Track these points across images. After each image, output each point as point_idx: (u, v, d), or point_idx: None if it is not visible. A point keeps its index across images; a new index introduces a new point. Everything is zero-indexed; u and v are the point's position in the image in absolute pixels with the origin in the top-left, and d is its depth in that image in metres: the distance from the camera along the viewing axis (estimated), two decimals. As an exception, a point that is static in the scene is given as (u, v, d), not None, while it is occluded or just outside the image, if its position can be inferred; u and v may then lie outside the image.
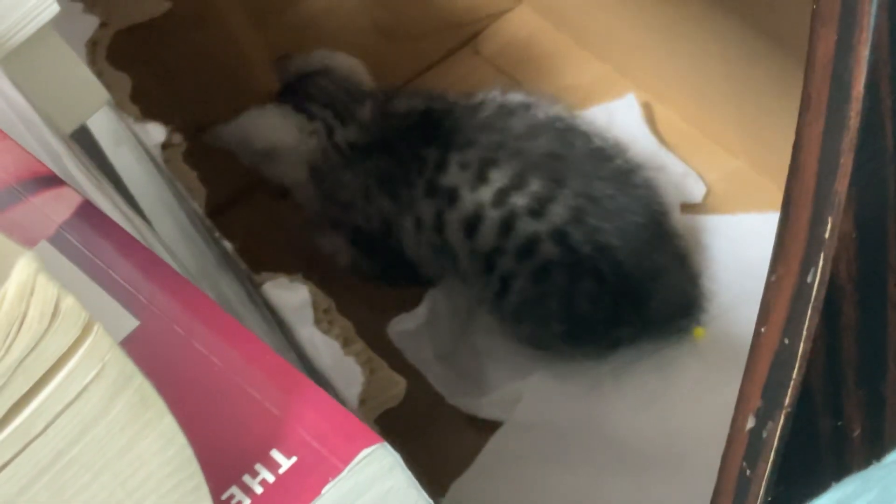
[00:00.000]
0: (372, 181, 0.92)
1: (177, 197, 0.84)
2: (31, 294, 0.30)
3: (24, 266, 0.30)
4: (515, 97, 0.90)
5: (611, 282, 0.85)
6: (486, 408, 0.89)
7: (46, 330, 0.31)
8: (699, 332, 0.89)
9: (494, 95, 0.90)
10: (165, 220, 0.80)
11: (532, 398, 0.88)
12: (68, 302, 0.31)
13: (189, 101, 0.99)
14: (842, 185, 0.37)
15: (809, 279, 0.39)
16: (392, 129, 0.92)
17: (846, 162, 0.37)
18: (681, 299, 0.89)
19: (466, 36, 1.14)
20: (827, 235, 0.38)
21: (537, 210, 0.84)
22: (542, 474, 0.84)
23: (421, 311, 0.95)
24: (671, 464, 0.82)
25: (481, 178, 0.85)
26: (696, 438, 0.82)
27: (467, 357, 0.93)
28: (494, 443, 0.87)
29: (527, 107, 0.88)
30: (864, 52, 0.35)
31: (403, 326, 0.94)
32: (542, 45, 1.11)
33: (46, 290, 0.30)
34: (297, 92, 0.96)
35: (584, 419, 0.86)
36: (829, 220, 0.38)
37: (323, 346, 0.72)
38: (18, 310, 0.30)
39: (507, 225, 0.85)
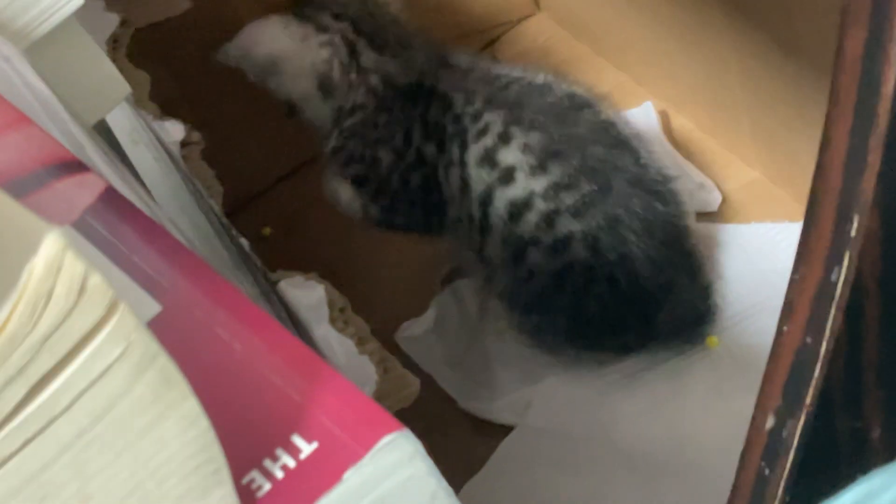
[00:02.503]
0: (416, 125, 0.89)
1: (194, 195, 0.84)
2: (59, 270, 0.30)
3: (52, 242, 0.30)
4: (577, 89, 0.88)
5: (623, 290, 0.85)
6: (497, 412, 0.89)
7: (73, 307, 0.30)
8: (712, 340, 0.89)
9: (558, 81, 0.88)
10: (182, 218, 0.80)
11: (543, 403, 0.88)
12: (95, 280, 0.31)
13: (206, 100, 0.99)
14: (869, 182, 0.37)
15: (833, 278, 0.39)
16: (447, 80, 0.89)
17: (874, 160, 0.37)
18: (692, 310, 0.88)
19: (484, 42, 1.14)
20: (852, 234, 0.38)
21: (580, 212, 0.84)
22: (552, 478, 0.84)
23: (428, 316, 0.94)
24: (681, 471, 0.82)
25: (542, 167, 0.84)
26: (706, 446, 0.82)
27: (478, 362, 0.93)
28: (505, 447, 0.87)
29: (590, 106, 0.87)
30: (894, 50, 0.35)
31: (411, 332, 0.94)
32: (559, 53, 1.11)
33: (74, 266, 0.30)
34: (306, 2, 0.94)
35: (595, 425, 0.86)
36: (855, 218, 0.38)
37: (338, 345, 0.72)
38: (46, 285, 0.30)
39: (550, 219, 0.84)
